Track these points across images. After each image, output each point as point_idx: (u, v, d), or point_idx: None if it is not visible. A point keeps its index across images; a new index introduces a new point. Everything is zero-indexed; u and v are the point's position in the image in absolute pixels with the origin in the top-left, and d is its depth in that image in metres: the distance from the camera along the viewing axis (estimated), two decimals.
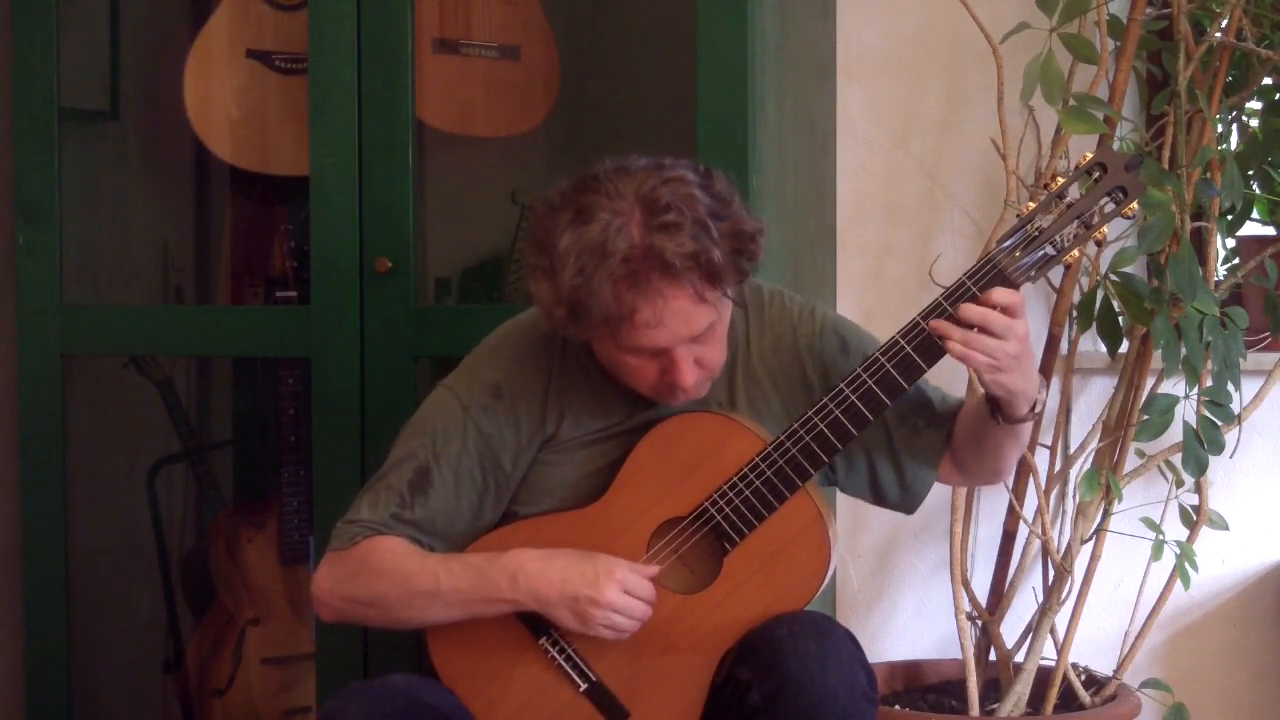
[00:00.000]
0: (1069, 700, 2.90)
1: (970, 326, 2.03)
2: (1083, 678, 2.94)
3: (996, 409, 2.12)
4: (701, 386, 2.13)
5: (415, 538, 2.19)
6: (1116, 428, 2.88)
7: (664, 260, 1.98)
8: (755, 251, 2.07)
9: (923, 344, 2.07)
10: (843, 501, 2.37)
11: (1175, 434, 2.83)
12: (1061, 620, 2.90)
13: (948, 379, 2.35)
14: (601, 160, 2.07)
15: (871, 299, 3.15)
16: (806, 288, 2.87)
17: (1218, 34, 2.78)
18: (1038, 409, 2.14)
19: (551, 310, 2.04)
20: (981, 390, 2.12)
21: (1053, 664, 2.89)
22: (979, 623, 2.95)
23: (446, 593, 2.14)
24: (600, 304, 1.99)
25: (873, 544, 3.19)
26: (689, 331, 2.05)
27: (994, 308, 2.02)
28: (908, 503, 2.29)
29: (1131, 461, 2.89)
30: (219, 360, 3.35)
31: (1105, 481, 2.82)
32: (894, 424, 2.24)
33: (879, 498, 2.29)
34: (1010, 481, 2.91)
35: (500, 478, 2.21)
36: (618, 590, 2.10)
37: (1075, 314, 2.89)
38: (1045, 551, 2.91)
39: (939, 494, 2.39)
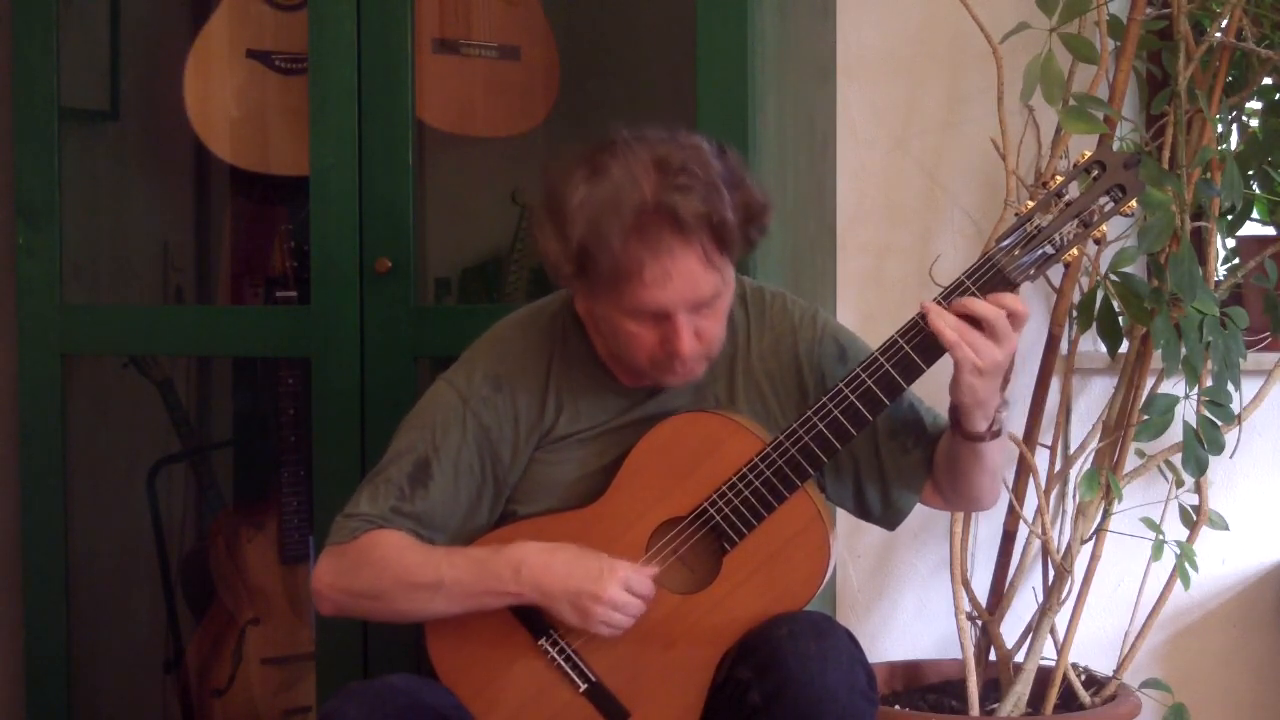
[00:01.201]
0: (1069, 700, 2.90)
1: (975, 322, 2.03)
2: (1083, 678, 2.94)
3: (956, 422, 2.12)
4: (699, 364, 2.13)
5: (415, 531, 2.19)
6: (1116, 428, 2.88)
7: (676, 216, 1.99)
8: (764, 224, 2.09)
9: (921, 344, 2.07)
10: None
11: (1175, 434, 2.83)
12: (1061, 620, 2.90)
13: (948, 378, 2.34)
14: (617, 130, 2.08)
15: (871, 299, 3.15)
16: (806, 288, 2.88)
17: (1218, 34, 2.78)
18: (995, 427, 2.12)
19: (559, 266, 2.05)
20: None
21: (1053, 664, 2.88)
22: (979, 623, 2.95)
23: (449, 585, 2.14)
24: (609, 257, 1.99)
25: (873, 544, 3.19)
26: (694, 295, 2.04)
27: (1003, 310, 2.03)
28: (889, 519, 2.29)
29: (1131, 461, 2.89)
30: (219, 360, 3.35)
31: (1105, 481, 2.82)
32: (884, 439, 2.23)
33: (862, 511, 2.29)
34: (1010, 481, 2.91)
35: (499, 470, 2.21)
36: (620, 587, 2.10)
37: (1075, 314, 2.88)
38: (1045, 551, 2.91)
39: None
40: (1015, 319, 2.04)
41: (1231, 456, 2.87)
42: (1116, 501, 2.86)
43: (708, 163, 2.03)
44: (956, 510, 2.39)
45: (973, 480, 2.21)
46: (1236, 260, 3.02)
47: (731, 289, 2.13)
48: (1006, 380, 2.14)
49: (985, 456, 2.16)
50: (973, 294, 2.04)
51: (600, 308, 2.12)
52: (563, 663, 2.17)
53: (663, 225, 1.99)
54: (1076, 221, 2.04)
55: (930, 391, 2.28)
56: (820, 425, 2.10)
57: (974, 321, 2.03)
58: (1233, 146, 2.96)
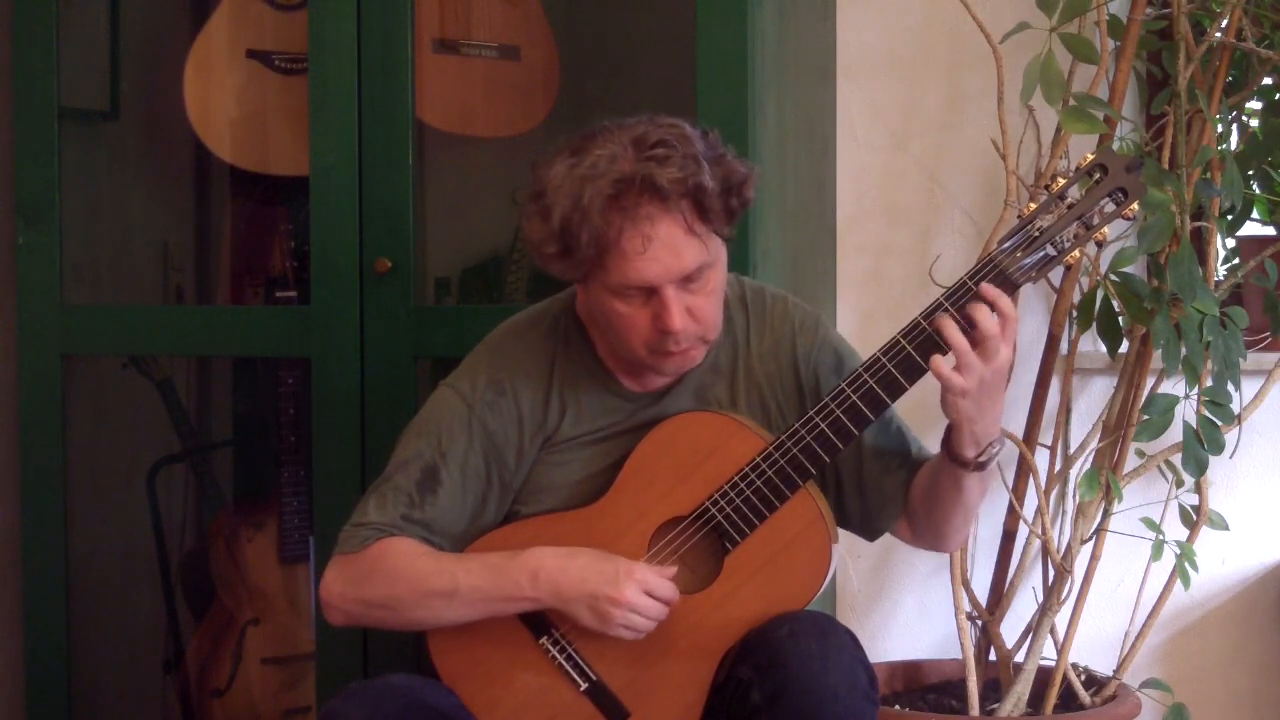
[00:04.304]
0: (1069, 700, 2.90)
1: (971, 325, 2.03)
2: (1083, 678, 2.94)
3: (946, 441, 2.12)
4: (695, 348, 2.13)
5: (425, 538, 2.18)
6: (1116, 428, 2.88)
7: (653, 183, 2.00)
8: (746, 196, 2.09)
9: (923, 345, 2.07)
10: None
11: (1175, 434, 2.83)
12: (1061, 620, 2.90)
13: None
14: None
15: (871, 299, 3.15)
16: (806, 288, 2.88)
17: (1218, 34, 2.78)
18: (983, 458, 2.11)
19: (542, 246, 2.06)
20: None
21: (1053, 664, 2.88)
22: (979, 623, 2.95)
23: (465, 592, 2.13)
24: (589, 230, 2.01)
25: (873, 544, 3.18)
26: (678, 265, 2.04)
27: (992, 307, 2.03)
28: (868, 532, 2.30)
29: (1131, 461, 2.89)
30: (219, 360, 3.35)
31: (1105, 481, 2.82)
32: (868, 458, 2.23)
33: (841, 522, 2.29)
34: (1010, 481, 2.91)
35: (505, 475, 2.21)
36: (637, 590, 2.10)
37: (1075, 314, 2.89)
38: (1045, 551, 2.91)
39: None
40: (1003, 318, 2.03)
41: (1231, 456, 2.87)
42: (1116, 501, 2.86)
43: (687, 137, 2.06)
44: (920, 546, 2.36)
45: (947, 511, 2.20)
46: (1236, 260, 3.02)
47: (722, 266, 2.12)
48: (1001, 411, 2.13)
49: (965, 490, 2.15)
50: (974, 295, 2.04)
51: (589, 292, 2.12)
52: (563, 662, 2.17)
53: (641, 193, 2.01)
54: (1078, 224, 2.05)
55: (925, 413, 2.28)
56: (822, 425, 2.10)
57: (969, 328, 2.03)
58: (1233, 146, 2.96)
